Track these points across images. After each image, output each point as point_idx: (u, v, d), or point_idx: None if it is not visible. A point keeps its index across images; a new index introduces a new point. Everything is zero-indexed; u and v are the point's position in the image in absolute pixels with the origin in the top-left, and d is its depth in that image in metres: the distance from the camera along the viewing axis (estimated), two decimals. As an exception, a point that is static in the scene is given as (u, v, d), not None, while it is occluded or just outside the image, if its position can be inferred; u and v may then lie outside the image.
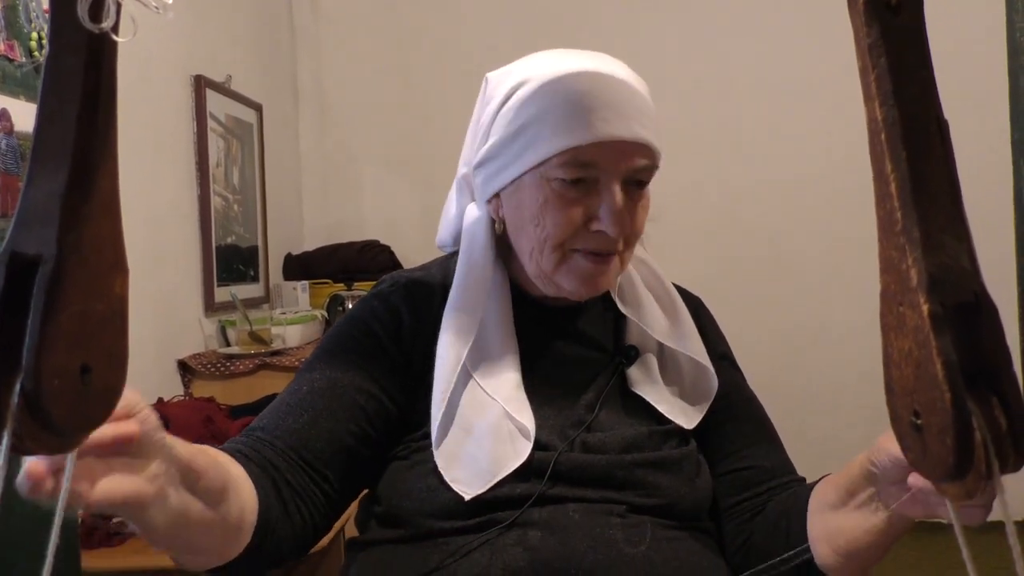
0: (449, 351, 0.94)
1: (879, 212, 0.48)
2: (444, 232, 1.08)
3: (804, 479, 0.98)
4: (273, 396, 2.22)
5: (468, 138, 1.02)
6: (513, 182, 0.93)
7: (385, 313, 0.99)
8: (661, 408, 0.97)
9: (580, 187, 0.90)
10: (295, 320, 2.59)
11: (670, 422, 0.97)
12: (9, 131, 1.41)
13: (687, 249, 3.02)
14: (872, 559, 0.85)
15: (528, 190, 0.92)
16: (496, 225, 0.98)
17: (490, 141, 0.95)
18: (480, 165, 0.97)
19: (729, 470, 0.99)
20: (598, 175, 0.90)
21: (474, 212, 1.01)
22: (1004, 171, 1.24)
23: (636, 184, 0.93)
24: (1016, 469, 0.45)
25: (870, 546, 0.82)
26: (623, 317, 1.02)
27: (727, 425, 1.01)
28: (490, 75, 0.98)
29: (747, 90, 3.32)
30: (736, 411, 1.02)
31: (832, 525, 0.85)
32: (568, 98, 0.88)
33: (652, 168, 0.93)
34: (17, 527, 1.21)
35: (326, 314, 2.85)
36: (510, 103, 0.93)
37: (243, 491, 0.80)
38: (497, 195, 0.97)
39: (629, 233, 0.93)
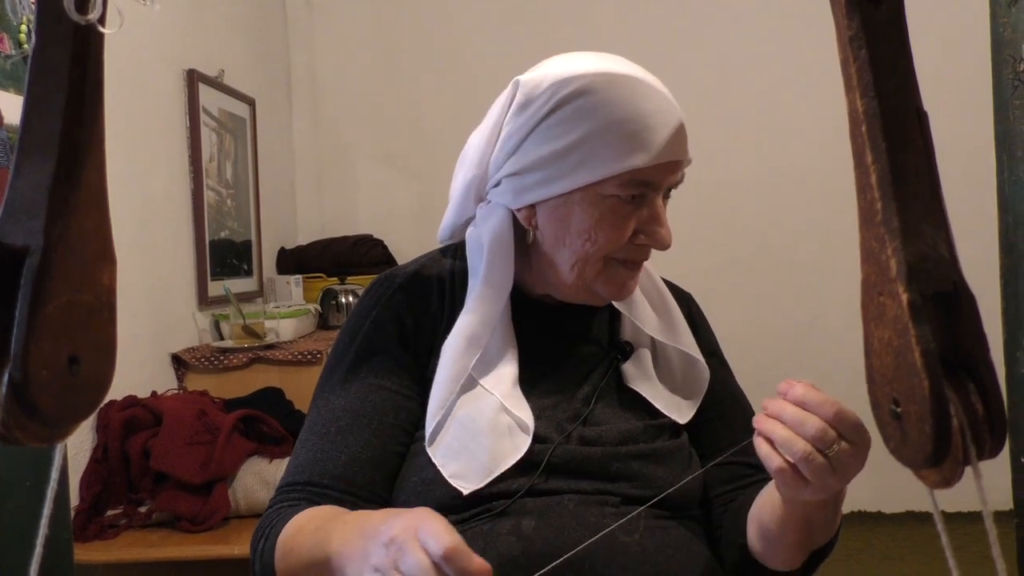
0: (457, 360, 0.93)
1: (860, 202, 0.48)
2: (447, 231, 1.08)
3: None
4: (266, 389, 2.24)
5: (483, 140, 0.98)
6: (560, 196, 0.92)
7: (389, 321, 0.98)
8: (657, 404, 0.98)
9: (634, 202, 0.92)
10: (288, 314, 2.58)
11: (664, 417, 0.98)
12: (-1, 125, 1.40)
13: (677, 244, 3.03)
14: (777, 543, 0.88)
15: (580, 206, 0.92)
16: (529, 235, 0.97)
17: (530, 151, 0.92)
18: (514, 174, 0.94)
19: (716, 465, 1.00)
20: (648, 191, 0.92)
21: (494, 218, 0.97)
22: (987, 164, 1.24)
23: (666, 196, 0.97)
24: (993, 455, 0.45)
25: (772, 527, 0.87)
26: (617, 314, 1.03)
27: (716, 423, 1.02)
28: (523, 79, 0.94)
29: (736, 84, 3.31)
30: (724, 409, 1.04)
31: (755, 511, 0.91)
32: (631, 117, 0.88)
33: (682, 178, 0.97)
34: (9, 518, 1.21)
35: (319, 308, 2.85)
36: (560, 114, 0.90)
37: None
38: (531, 205, 0.95)
39: None
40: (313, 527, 0.81)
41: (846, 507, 3.45)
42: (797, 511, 0.82)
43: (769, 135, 3.30)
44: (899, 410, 0.46)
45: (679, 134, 0.91)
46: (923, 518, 3.01)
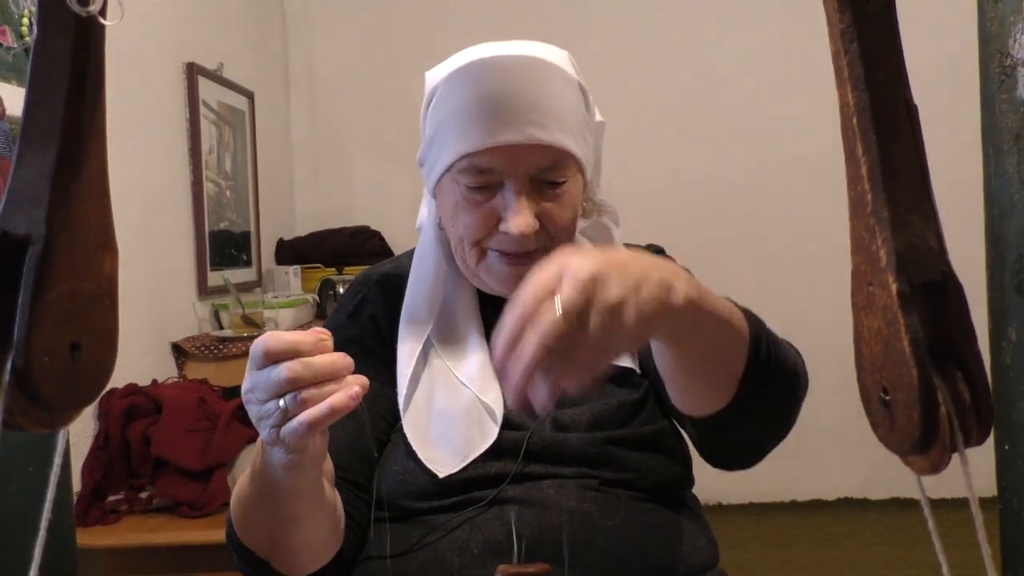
0: (408, 336, 0.96)
1: (850, 193, 0.49)
2: (423, 215, 1.09)
3: None
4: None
5: None
6: (437, 183, 0.95)
7: (365, 317, 1.02)
8: (625, 362, 0.98)
9: (485, 191, 0.90)
10: (287, 304, 2.60)
11: (635, 387, 0.97)
12: (0, 115, 1.41)
13: (666, 235, 3.03)
14: (679, 387, 0.81)
15: (446, 193, 0.94)
16: (438, 221, 1.00)
17: (422, 141, 0.97)
18: (420, 164, 0.99)
19: None
20: (501, 178, 0.90)
21: (431, 203, 1.04)
22: (974, 157, 1.25)
23: (548, 184, 0.91)
24: (979, 442, 0.46)
25: (670, 370, 0.79)
26: None
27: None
28: (427, 73, 0.98)
29: (727, 77, 3.32)
30: None
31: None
32: (463, 103, 0.89)
33: (559, 165, 0.91)
34: (12, 503, 1.22)
35: (317, 298, 2.87)
36: (431, 106, 0.95)
37: (334, 493, 0.84)
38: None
39: (553, 232, 0.92)
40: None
41: (832, 494, 3.50)
42: (669, 350, 0.73)
43: (760, 128, 3.31)
44: (888, 398, 0.47)
45: (514, 117, 0.87)
46: (908, 504, 3.05)
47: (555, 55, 0.94)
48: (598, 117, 0.99)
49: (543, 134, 0.88)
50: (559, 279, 0.59)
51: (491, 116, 0.87)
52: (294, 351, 0.64)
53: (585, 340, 0.57)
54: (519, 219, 0.89)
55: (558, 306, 0.57)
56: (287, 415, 0.64)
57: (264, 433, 0.67)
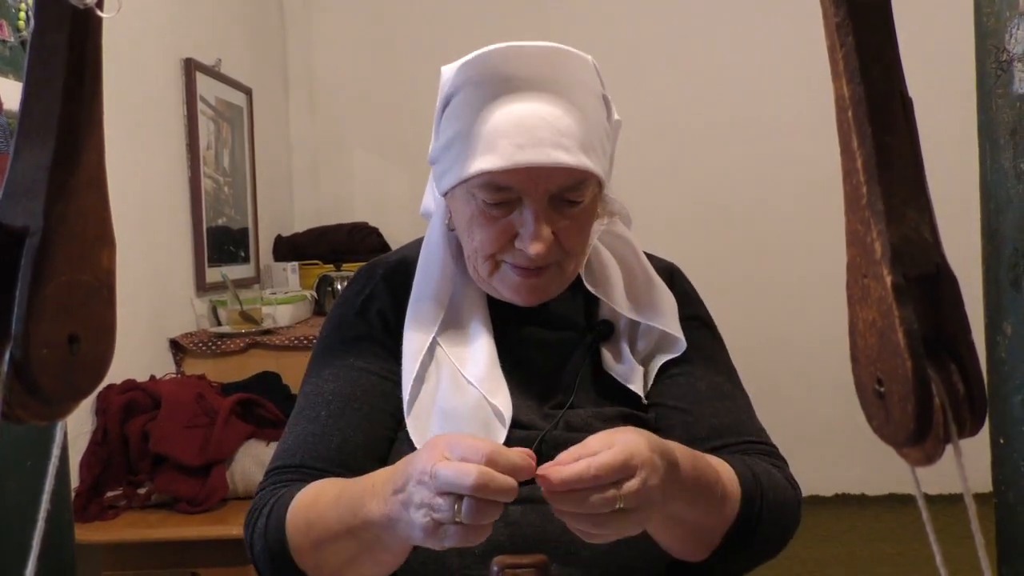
0: (413, 334, 0.96)
1: (845, 187, 0.49)
2: (429, 204, 1.09)
3: (764, 442, 0.97)
4: (263, 374, 2.25)
5: None
6: (451, 189, 0.93)
7: (373, 311, 1.01)
8: (634, 387, 0.97)
9: (503, 207, 0.89)
10: (285, 300, 2.60)
11: (644, 407, 0.97)
12: (-2, 110, 1.41)
13: (665, 231, 3.04)
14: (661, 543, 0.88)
15: (460, 202, 0.93)
16: (447, 222, 0.99)
17: (435, 141, 0.95)
18: (432, 162, 0.97)
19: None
20: (519, 195, 0.88)
21: (441, 203, 1.01)
22: (970, 152, 1.26)
23: (567, 202, 0.90)
24: (973, 433, 0.46)
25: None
26: (594, 296, 1.02)
27: (680, 378, 0.99)
28: (443, 68, 0.96)
29: (724, 72, 3.33)
30: (693, 368, 0.99)
31: None
32: (486, 115, 0.87)
33: (580, 186, 0.89)
34: (11, 498, 1.22)
35: (315, 294, 2.87)
36: (447, 111, 0.92)
37: None
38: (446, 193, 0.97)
39: (568, 247, 0.92)
40: (331, 497, 0.82)
41: (829, 490, 3.51)
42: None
43: (756, 122, 3.32)
44: (882, 389, 0.47)
45: (538, 138, 0.85)
46: (905, 500, 3.07)
47: (580, 60, 0.91)
48: (615, 116, 0.98)
49: (567, 156, 0.85)
50: (631, 471, 0.70)
51: (515, 134, 0.85)
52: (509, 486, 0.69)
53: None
54: (537, 241, 0.88)
55: (620, 499, 0.70)
56: (454, 517, 0.67)
57: (419, 517, 0.69)
